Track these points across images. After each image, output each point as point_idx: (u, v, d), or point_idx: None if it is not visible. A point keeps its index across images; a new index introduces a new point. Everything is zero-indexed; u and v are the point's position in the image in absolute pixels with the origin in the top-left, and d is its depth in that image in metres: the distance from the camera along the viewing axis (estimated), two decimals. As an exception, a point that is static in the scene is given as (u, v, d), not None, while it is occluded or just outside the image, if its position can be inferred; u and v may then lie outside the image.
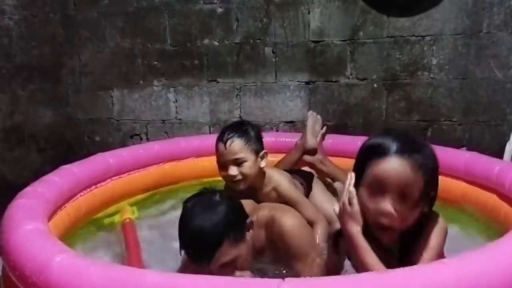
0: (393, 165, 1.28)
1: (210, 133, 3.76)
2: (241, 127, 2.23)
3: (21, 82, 4.04)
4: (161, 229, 2.48)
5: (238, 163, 2.16)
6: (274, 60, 3.57)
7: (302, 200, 2.24)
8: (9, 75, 4.03)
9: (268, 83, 3.62)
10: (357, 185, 1.37)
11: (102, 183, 2.69)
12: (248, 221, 1.72)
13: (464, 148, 3.12)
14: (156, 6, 3.70)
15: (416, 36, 3.29)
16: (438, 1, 3.20)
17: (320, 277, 1.28)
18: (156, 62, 3.80)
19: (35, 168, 3.82)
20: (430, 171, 1.33)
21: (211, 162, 3.12)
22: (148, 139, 3.88)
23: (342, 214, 1.40)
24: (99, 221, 2.61)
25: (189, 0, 3.63)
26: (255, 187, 2.24)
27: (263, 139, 2.29)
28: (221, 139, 2.19)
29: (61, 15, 3.88)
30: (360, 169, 1.35)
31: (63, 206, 2.32)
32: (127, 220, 2.47)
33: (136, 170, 2.92)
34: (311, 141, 2.84)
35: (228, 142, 2.16)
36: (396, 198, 1.28)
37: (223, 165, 2.20)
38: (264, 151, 2.25)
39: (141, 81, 3.85)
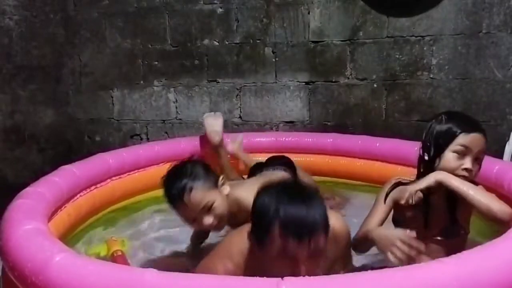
0: (476, 138, 1.85)
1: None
2: (184, 172, 1.98)
3: (22, 82, 4.03)
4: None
5: (208, 208, 1.95)
6: (274, 60, 3.58)
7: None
8: (9, 75, 4.02)
9: (268, 83, 3.62)
10: (441, 153, 1.88)
11: (102, 183, 2.70)
12: None
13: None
14: (156, 6, 3.70)
15: (416, 36, 3.29)
16: (438, 1, 3.20)
17: (319, 276, 1.28)
18: (156, 62, 3.80)
19: (36, 168, 3.82)
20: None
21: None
22: (148, 139, 3.88)
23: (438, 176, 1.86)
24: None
25: (189, 0, 3.64)
26: (232, 217, 2.04)
27: (209, 166, 2.09)
28: (174, 197, 1.94)
29: (61, 15, 3.88)
30: (446, 141, 1.87)
31: (63, 207, 2.32)
32: (119, 253, 2.18)
33: (136, 171, 2.93)
34: (214, 139, 2.99)
35: (186, 196, 1.92)
36: (474, 159, 1.85)
37: (193, 220, 1.99)
38: (220, 177, 2.07)
39: (142, 81, 3.86)
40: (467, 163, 1.84)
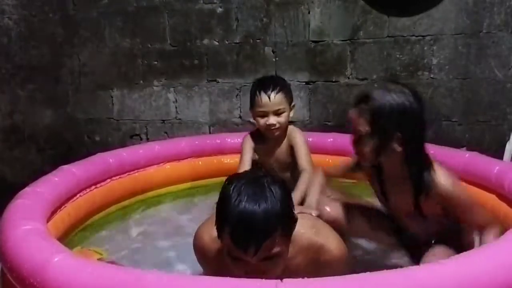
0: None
1: (210, 133, 3.75)
2: (279, 81, 2.58)
3: (21, 82, 4.03)
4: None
5: (279, 113, 2.48)
6: (274, 60, 3.57)
7: (306, 152, 2.61)
8: (8, 75, 4.03)
9: (268, 83, 3.60)
10: None
11: (102, 183, 2.69)
12: (295, 216, 1.50)
13: (464, 148, 3.11)
14: (155, 6, 3.69)
15: (417, 36, 3.28)
16: (439, 0, 3.19)
17: (318, 278, 1.28)
18: (155, 62, 3.79)
19: (35, 168, 3.82)
20: (372, 113, 1.83)
21: (211, 162, 3.17)
22: (148, 139, 3.87)
23: None
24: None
25: (189, -1, 3.63)
26: (276, 140, 2.60)
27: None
28: (264, 91, 2.46)
29: (60, 15, 3.88)
30: None
31: (63, 206, 2.32)
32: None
33: (136, 170, 2.92)
34: None
35: (272, 95, 2.45)
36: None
37: (263, 115, 2.49)
38: (293, 102, 2.58)
39: (141, 81, 3.85)
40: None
